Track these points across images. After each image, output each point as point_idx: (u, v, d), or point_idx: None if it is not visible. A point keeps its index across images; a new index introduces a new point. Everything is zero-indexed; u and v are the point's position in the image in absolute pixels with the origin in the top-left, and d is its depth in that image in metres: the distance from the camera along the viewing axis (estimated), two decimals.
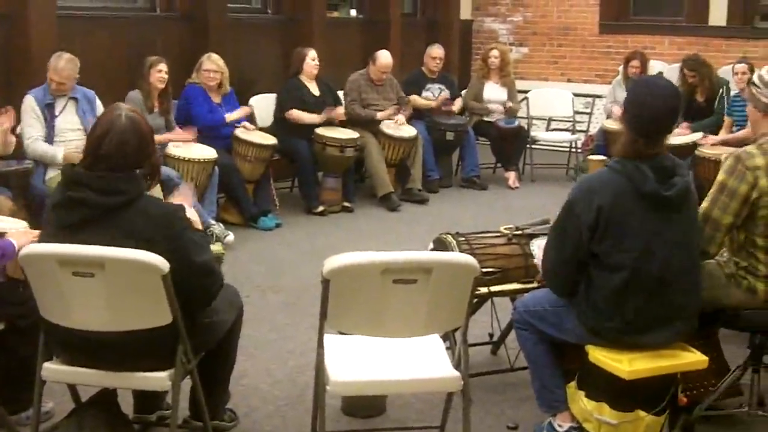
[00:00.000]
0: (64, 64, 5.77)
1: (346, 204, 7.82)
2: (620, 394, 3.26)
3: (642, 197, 3.21)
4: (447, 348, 3.47)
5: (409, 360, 3.32)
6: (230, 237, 6.41)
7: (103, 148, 3.01)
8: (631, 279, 3.22)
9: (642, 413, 3.29)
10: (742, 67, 7.76)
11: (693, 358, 3.33)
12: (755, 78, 3.63)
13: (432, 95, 8.94)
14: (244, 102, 7.59)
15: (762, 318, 3.58)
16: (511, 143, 9.12)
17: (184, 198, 3.47)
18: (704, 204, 3.52)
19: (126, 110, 3.11)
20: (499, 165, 9.47)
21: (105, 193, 2.98)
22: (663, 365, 3.26)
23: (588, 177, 3.41)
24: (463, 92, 9.41)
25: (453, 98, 9.08)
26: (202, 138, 6.84)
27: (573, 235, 3.29)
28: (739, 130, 7.38)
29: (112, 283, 2.95)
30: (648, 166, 3.23)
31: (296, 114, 7.64)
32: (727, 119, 7.77)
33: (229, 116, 7.13)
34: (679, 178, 3.26)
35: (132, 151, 3.04)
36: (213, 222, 6.43)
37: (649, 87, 3.35)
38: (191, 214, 3.26)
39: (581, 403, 3.37)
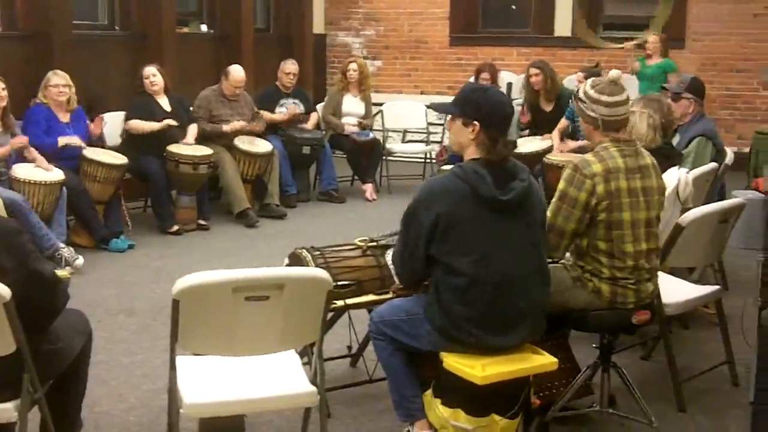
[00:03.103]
0: None
1: (202, 222, 7.69)
2: (475, 399, 3.29)
3: (481, 201, 3.26)
4: (305, 363, 3.45)
5: (265, 377, 3.29)
6: (80, 261, 6.20)
7: None
8: (473, 282, 3.26)
9: (497, 417, 3.33)
10: (579, 75, 8.05)
11: (543, 361, 3.39)
12: (581, 94, 3.72)
13: (287, 110, 8.91)
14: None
15: (608, 318, 3.69)
16: (367, 156, 9.20)
17: None
18: (548, 213, 3.61)
19: None
20: (356, 178, 9.53)
21: None
22: (515, 369, 3.31)
23: (429, 181, 3.43)
24: (319, 106, 9.42)
25: (308, 113, 9.07)
26: (49, 159, 6.57)
27: (416, 237, 3.31)
28: (579, 134, 7.65)
29: None
30: (488, 171, 3.28)
31: (135, 124, 7.51)
32: (563, 122, 8.05)
33: (62, 139, 6.76)
34: (518, 182, 3.31)
35: None
36: (62, 245, 6.21)
37: (484, 90, 3.48)
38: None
39: (437, 410, 3.39)
